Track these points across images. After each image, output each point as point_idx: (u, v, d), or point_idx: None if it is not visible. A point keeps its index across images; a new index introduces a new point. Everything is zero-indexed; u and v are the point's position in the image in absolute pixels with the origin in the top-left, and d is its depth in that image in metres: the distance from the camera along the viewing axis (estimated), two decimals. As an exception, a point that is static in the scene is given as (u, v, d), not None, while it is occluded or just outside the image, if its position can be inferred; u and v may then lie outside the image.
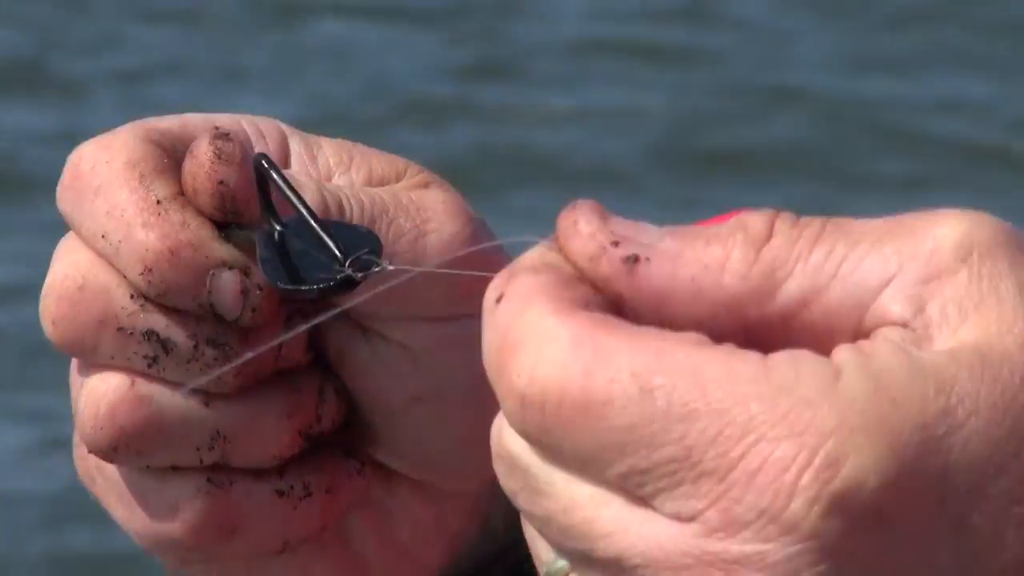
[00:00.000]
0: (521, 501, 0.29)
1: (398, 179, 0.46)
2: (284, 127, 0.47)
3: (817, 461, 0.25)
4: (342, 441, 0.46)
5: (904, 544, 0.26)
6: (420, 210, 0.44)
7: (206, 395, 0.42)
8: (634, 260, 0.28)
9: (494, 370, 0.28)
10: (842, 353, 0.27)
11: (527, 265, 0.30)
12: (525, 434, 0.28)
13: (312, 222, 0.40)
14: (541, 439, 0.28)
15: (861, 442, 0.25)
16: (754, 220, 0.29)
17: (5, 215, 6.10)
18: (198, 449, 0.42)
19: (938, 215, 0.29)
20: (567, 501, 0.28)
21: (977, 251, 0.28)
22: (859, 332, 0.28)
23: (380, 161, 0.46)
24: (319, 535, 0.45)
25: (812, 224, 0.29)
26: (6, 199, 6.49)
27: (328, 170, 0.45)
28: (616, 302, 0.29)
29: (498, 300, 0.29)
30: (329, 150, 0.46)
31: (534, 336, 0.27)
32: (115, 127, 0.46)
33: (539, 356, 0.27)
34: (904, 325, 0.28)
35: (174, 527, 0.42)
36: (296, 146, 0.46)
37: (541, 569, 0.31)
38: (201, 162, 0.41)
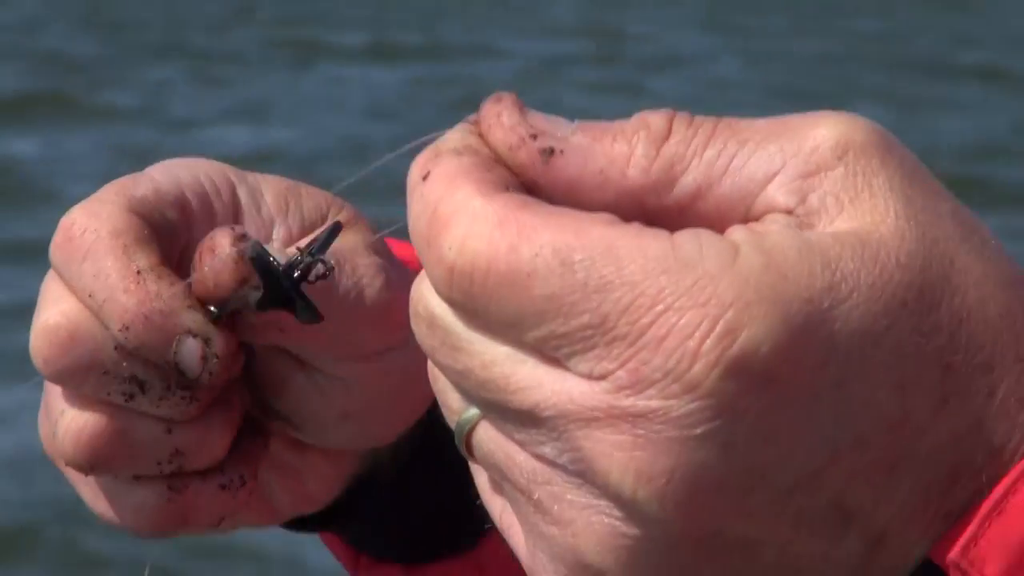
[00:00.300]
0: (439, 356, 0.32)
1: (323, 220, 0.51)
2: (231, 175, 0.52)
3: (718, 329, 0.28)
4: (262, 429, 0.53)
5: (790, 403, 0.29)
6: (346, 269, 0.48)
7: (169, 422, 0.48)
8: (549, 152, 0.32)
9: (423, 241, 0.31)
10: (737, 232, 0.30)
11: (450, 147, 0.32)
12: (450, 300, 0.31)
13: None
14: (466, 305, 0.31)
15: (756, 313, 0.28)
16: (655, 118, 0.32)
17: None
18: (159, 463, 0.48)
19: (818, 116, 0.32)
20: (486, 358, 0.31)
21: (852, 150, 0.31)
22: (747, 220, 0.32)
23: (309, 204, 0.52)
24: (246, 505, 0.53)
25: (706, 123, 0.32)
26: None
27: (271, 220, 0.51)
28: (531, 188, 0.32)
29: (424, 177, 0.32)
30: (270, 198, 0.51)
31: (463, 214, 0.30)
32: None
33: (468, 231, 0.30)
34: (788, 213, 0.31)
35: (138, 521, 0.50)
36: (244, 197, 0.51)
37: (451, 419, 0.34)
38: (225, 263, 0.45)
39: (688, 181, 0.32)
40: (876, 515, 0.31)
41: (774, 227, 0.31)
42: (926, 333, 0.30)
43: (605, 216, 0.31)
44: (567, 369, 0.30)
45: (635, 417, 0.29)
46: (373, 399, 0.51)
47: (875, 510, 0.31)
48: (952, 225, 0.32)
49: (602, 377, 0.29)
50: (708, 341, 0.29)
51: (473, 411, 0.33)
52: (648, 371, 0.29)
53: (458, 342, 0.31)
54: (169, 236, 0.49)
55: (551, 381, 0.30)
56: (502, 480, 0.33)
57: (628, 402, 0.29)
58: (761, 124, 0.33)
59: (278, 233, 0.50)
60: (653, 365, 0.29)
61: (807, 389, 0.30)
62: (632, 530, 0.30)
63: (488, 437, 0.33)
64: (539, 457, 0.31)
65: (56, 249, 0.48)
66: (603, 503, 0.30)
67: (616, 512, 0.30)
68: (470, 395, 0.32)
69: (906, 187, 0.31)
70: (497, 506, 0.35)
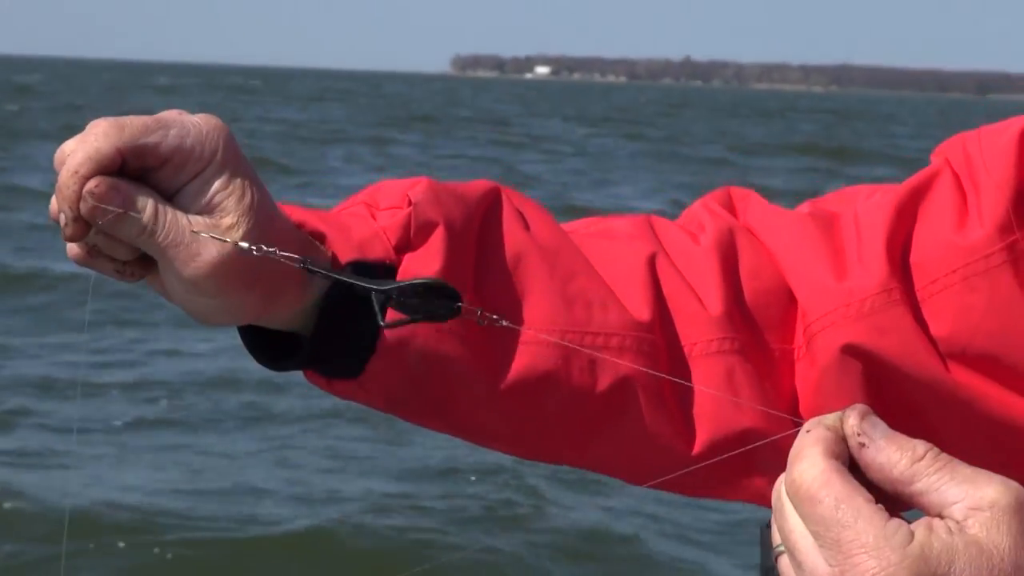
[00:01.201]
0: (781, 520, 0.53)
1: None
2: (224, 135, 0.71)
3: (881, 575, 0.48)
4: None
5: None
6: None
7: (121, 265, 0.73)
8: (862, 445, 0.52)
9: (790, 459, 0.52)
10: (919, 527, 0.50)
11: (826, 423, 0.53)
12: (788, 493, 0.53)
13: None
14: (792, 499, 0.52)
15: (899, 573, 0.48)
16: (920, 448, 0.51)
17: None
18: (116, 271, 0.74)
19: (991, 476, 0.51)
20: (794, 533, 0.52)
21: (999, 505, 0.49)
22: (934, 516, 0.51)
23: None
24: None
25: (942, 458, 0.51)
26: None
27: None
28: (853, 459, 0.52)
29: (808, 431, 0.53)
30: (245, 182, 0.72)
31: (809, 459, 0.51)
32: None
33: (806, 468, 0.51)
34: (951, 520, 0.50)
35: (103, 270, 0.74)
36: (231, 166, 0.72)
37: (776, 542, 0.55)
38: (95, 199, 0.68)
39: (918, 487, 0.52)
40: None
41: (940, 529, 0.50)
42: None
43: (866, 495, 0.51)
44: (820, 552, 0.51)
45: None
46: (204, 307, 0.74)
47: None
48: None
49: (830, 566, 0.50)
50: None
51: (781, 547, 0.55)
52: (799, 549, 0.52)
53: (782, 516, 0.54)
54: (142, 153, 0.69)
55: (814, 555, 0.52)
56: None
57: (818, 564, 0.51)
58: (963, 468, 0.52)
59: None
60: (807, 553, 0.52)
61: None
62: None
63: (783, 564, 0.55)
64: None
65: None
66: None
67: None
68: (782, 536, 0.55)
69: (1015, 536, 0.50)
70: None
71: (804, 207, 0.91)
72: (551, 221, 0.85)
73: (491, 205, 0.83)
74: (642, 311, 0.81)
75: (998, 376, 0.82)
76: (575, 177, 20.88)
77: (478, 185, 0.84)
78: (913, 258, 0.83)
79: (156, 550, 4.72)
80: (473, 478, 5.63)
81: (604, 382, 0.80)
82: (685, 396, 0.82)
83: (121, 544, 4.73)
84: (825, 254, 0.84)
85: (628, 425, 0.82)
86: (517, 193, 0.86)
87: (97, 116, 0.71)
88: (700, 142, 31.43)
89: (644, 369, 0.80)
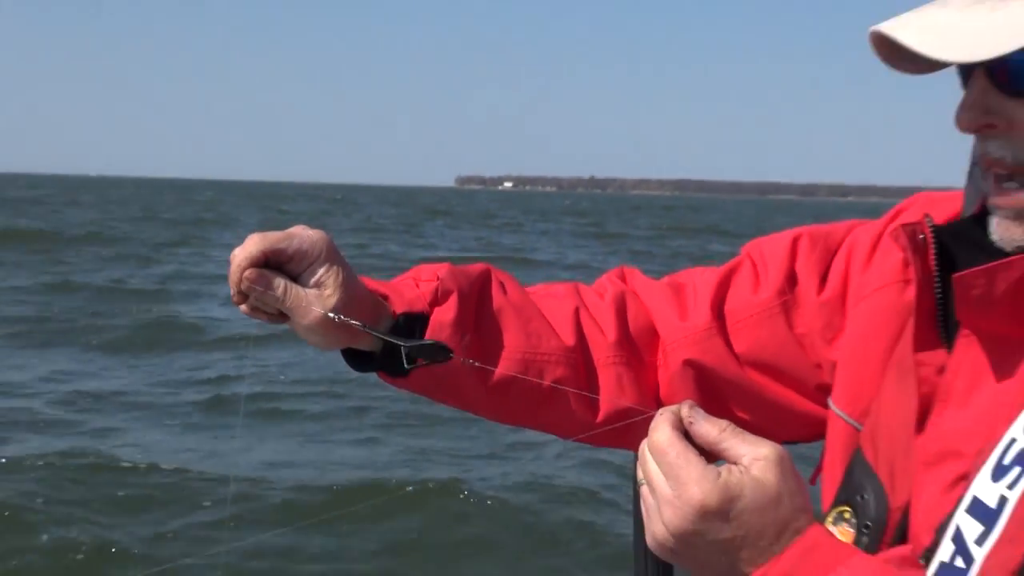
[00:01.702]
0: (642, 464, 0.85)
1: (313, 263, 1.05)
2: (327, 240, 1.05)
3: (697, 507, 0.79)
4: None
5: (707, 544, 0.79)
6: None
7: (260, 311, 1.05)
8: (691, 423, 0.82)
9: (650, 430, 0.83)
10: (724, 470, 0.78)
11: (671, 409, 0.83)
12: (648, 445, 0.83)
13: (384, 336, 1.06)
14: (650, 452, 0.82)
15: (710, 504, 0.78)
16: (722, 423, 0.82)
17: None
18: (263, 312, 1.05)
19: (761, 441, 0.80)
20: (649, 468, 0.84)
21: (768, 458, 0.79)
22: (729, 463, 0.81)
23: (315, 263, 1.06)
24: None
25: (736, 430, 0.81)
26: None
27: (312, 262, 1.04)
28: (687, 430, 0.82)
29: (661, 413, 0.83)
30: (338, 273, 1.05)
31: (661, 429, 0.82)
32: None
33: (657, 433, 0.82)
34: (740, 465, 0.80)
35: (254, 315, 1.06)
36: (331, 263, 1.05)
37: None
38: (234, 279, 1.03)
39: (723, 447, 0.81)
40: None
41: (735, 471, 0.79)
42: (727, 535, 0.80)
43: (694, 451, 0.81)
44: (667, 483, 0.81)
45: (661, 511, 0.82)
46: (333, 341, 1.07)
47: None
48: (790, 500, 0.80)
49: (672, 491, 0.80)
50: (698, 503, 0.78)
51: (643, 481, 0.85)
52: (667, 505, 0.80)
53: (644, 462, 0.84)
54: (280, 255, 1.03)
55: (663, 484, 0.81)
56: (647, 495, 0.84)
57: (667, 509, 0.80)
58: (749, 435, 0.82)
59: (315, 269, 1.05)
60: (667, 509, 0.80)
61: (711, 541, 0.79)
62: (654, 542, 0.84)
63: (644, 491, 0.85)
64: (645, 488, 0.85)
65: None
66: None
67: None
68: (644, 474, 0.84)
69: (779, 476, 0.79)
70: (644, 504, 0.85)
71: (665, 279, 1.27)
72: (519, 287, 1.21)
73: (484, 279, 1.18)
74: (569, 340, 1.17)
75: (776, 377, 1.18)
76: (531, 243, 32.67)
77: (477, 266, 1.19)
78: (727, 308, 1.19)
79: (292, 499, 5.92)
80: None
81: (547, 380, 1.15)
82: (593, 389, 1.18)
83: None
84: (675, 306, 1.22)
85: (560, 405, 1.17)
86: (499, 270, 1.22)
87: (251, 229, 1.12)
88: (603, 224, 50.56)
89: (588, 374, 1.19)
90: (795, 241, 1.18)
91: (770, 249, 1.20)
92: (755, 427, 0.94)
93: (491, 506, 5.99)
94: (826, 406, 1.13)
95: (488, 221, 50.92)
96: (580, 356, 1.18)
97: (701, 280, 1.22)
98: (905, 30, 0.85)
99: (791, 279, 1.16)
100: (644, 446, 0.85)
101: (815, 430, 1.17)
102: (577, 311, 1.20)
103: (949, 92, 0.91)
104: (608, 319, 1.20)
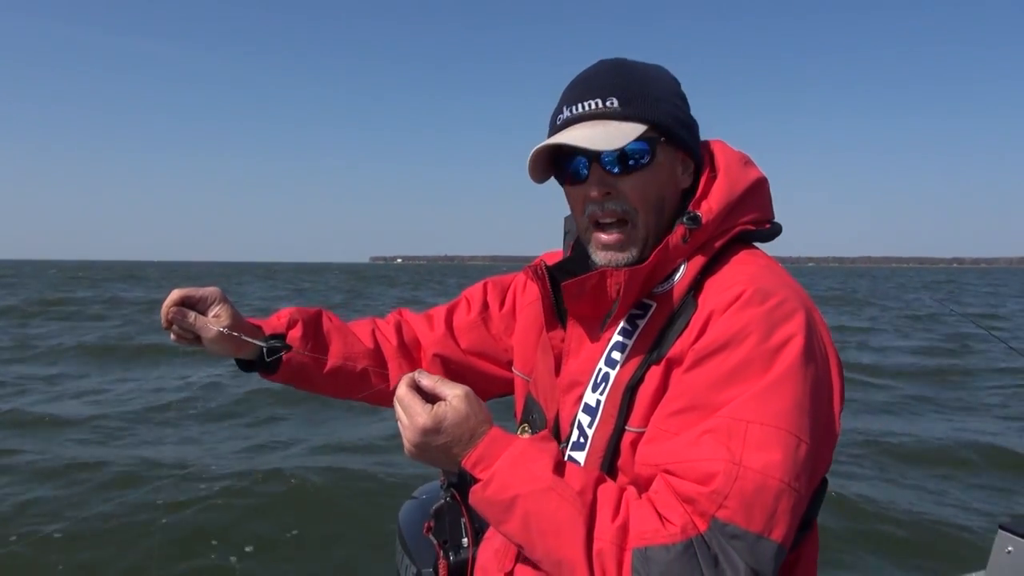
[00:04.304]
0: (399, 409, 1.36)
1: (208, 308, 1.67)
2: (221, 292, 1.67)
3: (423, 428, 1.32)
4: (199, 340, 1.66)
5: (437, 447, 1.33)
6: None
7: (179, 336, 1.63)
8: (418, 381, 1.37)
9: (397, 387, 1.38)
10: (436, 405, 1.33)
11: (410, 375, 1.37)
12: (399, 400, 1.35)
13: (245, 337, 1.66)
14: (400, 400, 1.36)
15: (431, 428, 1.32)
16: (433, 376, 1.39)
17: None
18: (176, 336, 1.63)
19: (458, 384, 1.37)
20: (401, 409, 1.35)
21: (464, 394, 1.36)
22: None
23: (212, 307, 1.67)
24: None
25: (441, 379, 1.37)
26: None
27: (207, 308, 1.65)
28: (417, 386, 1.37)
29: (405, 378, 1.37)
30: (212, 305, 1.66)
31: (403, 385, 1.36)
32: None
33: (401, 389, 1.36)
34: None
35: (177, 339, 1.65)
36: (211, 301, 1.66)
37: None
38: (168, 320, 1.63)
39: (436, 390, 1.36)
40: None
41: (443, 405, 1.34)
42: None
43: (420, 397, 1.35)
44: (405, 417, 1.34)
45: (407, 427, 1.34)
46: (227, 352, 1.66)
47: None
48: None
49: (410, 420, 1.34)
50: (420, 425, 1.32)
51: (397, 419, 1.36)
52: (406, 429, 1.34)
53: (398, 408, 1.37)
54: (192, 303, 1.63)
55: (404, 418, 1.35)
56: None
57: (406, 432, 1.34)
58: (449, 381, 1.37)
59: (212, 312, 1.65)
60: (406, 432, 1.34)
61: (437, 445, 1.33)
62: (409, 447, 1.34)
63: (400, 426, 1.36)
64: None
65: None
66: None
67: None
68: (397, 415, 1.37)
69: (467, 403, 1.34)
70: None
71: (422, 313, 1.90)
72: (338, 319, 1.81)
73: (319, 314, 1.77)
74: (370, 345, 1.78)
75: (485, 359, 1.80)
76: (411, 296, 40.66)
77: (314, 308, 1.78)
78: (454, 324, 1.84)
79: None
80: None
81: (359, 368, 1.74)
82: (383, 372, 1.76)
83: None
84: (427, 325, 1.85)
85: (365, 382, 1.74)
86: (328, 310, 1.80)
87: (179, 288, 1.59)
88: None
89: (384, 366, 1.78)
90: (485, 285, 1.87)
91: (472, 291, 1.88)
92: (477, 389, 1.38)
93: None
94: (512, 373, 1.75)
95: (390, 283, 64.45)
96: (376, 354, 1.80)
97: (439, 310, 1.87)
98: (565, 137, 1.40)
99: (485, 304, 1.84)
100: (396, 397, 1.36)
101: (509, 388, 1.78)
102: (374, 330, 1.83)
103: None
104: (391, 333, 1.84)
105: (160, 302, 1.59)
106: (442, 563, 1.85)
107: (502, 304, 1.82)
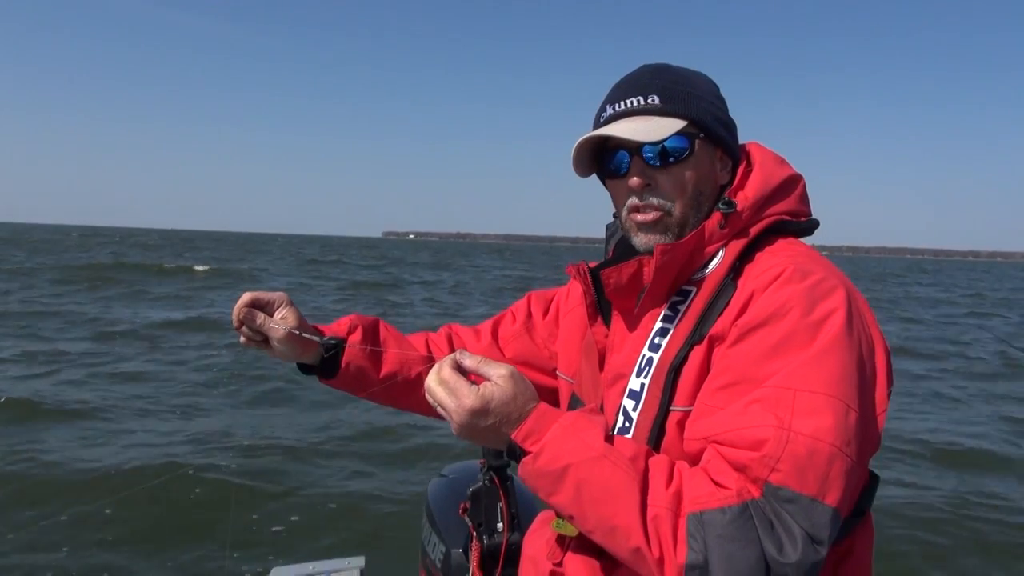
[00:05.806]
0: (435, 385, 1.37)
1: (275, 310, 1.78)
2: (286, 296, 1.77)
3: (472, 408, 1.32)
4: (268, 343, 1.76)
5: (487, 427, 1.32)
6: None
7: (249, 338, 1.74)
8: (460, 362, 1.36)
9: (435, 368, 1.37)
10: (481, 385, 1.33)
11: (450, 356, 1.37)
12: (437, 382, 1.36)
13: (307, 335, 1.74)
14: (445, 383, 1.35)
15: (479, 410, 1.32)
16: (476, 356, 1.40)
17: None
18: (248, 338, 1.76)
19: (503, 364, 1.37)
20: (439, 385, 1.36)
21: (510, 373, 1.36)
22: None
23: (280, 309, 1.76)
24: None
25: (482, 359, 1.38)
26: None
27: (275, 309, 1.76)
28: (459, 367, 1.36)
29: (445, 359, 1.37)
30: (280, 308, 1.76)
31: (444, 365, 1.35)
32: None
33: (441, 369, 1.35)
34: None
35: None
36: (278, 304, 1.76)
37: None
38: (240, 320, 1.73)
39: (480, 371, 1.36)
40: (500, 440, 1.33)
41: (489, 384, 1.33)
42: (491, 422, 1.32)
43: (464, 378, 1.34)
44: (448, 398, 1.35)
45: (454, 409, 1.34)
46: (291, 355, 1.77)
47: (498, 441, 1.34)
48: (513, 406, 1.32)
49: (453, 402, 1.35)
50: (468, 407, 1.32)
51: (437, 406, 1.37)
52: (454, 412, 1.33)
53: (433, 390, 1.38)
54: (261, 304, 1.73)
55: (447, 400, 1.35)
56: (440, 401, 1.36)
57: (454, 415, 1.33)
58: (493, 362, 1.36)
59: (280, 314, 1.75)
60: (454, 415, 1.33)
61: (488, 425, 1.32)
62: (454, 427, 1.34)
63: (440, 412, 1.37)
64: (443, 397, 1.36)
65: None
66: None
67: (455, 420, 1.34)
68: (435, 399, 1.38)
69: (513, 382, 1.34)
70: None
71: (472, 327, 1.97)
72: (394, 328, 1.89)
73: (376, 322, 1.86)
74: (424, 352, 1.85)
75: (531, 366, 1.83)
76: (426, 279, 38.75)
77: (372, 316, 1.86)
78: (499, 334, 1.93)
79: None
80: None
81: (414, 374, 1.80)
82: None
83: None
84: (475, 337, 1.92)
85: (420, 388, 1.59)
86: (384, 321, 1.88)
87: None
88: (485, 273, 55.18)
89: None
90: (529, 297, 1.96)
91: (518, 305, 1.96)
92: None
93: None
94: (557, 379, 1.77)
95: (395, 263, 63.87)
96: (430, 361, 1.84)
97: (486, 323, 1.96)
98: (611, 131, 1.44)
99: (529, 314, 1.91)
100: (431, 378, 1.36)
101: (554, 397, 1.77)
102: (427, 340, 1.92)
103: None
104: (443, 343, 1.92)
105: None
106: (475, 545, 1.86)
107: (545, 313, 1.89)
